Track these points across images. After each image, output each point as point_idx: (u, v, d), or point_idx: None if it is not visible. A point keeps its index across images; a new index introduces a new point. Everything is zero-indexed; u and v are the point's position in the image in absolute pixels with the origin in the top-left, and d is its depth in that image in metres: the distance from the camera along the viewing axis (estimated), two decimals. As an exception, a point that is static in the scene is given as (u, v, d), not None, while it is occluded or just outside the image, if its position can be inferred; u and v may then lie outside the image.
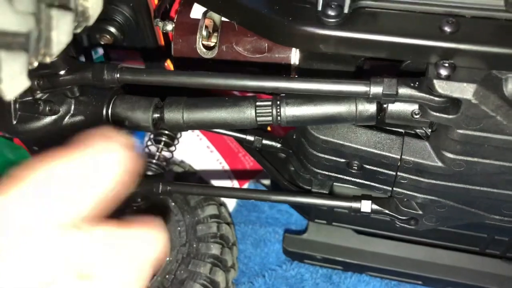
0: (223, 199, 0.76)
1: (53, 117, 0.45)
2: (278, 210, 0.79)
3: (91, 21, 0.29)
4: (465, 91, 0.38)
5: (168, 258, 0.65)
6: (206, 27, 0.52)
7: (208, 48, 0.52)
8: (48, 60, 0.28)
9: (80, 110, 0.45)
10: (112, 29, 0.55)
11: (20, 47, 0.25)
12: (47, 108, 0.44)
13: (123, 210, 0.61)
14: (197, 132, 0.83)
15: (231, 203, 0.80)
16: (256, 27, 0.44)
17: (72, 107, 0.45)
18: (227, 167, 0.81)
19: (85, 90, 0.46)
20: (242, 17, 0.45)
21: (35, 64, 0.27)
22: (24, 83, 0.26)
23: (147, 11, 0.55)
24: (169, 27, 0.53)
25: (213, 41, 0.52)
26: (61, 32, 0.26)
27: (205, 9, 0.52)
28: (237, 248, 0.72)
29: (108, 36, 0.55)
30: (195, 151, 0.80)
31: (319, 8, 0.39)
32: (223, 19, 0.51)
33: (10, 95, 0.26)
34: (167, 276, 0.64)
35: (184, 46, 0.52)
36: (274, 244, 0.75)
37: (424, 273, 0.68)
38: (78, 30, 0.29)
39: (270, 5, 0.42)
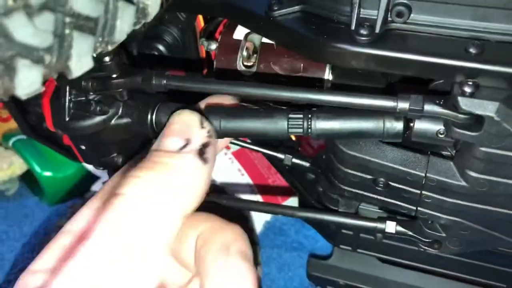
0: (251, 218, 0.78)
1: (102, 117, 0.49)
2: (304, 236, 0.81)
3: (149, 18, 0.33)
4: (487, 108, 0.40)
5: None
6: (247, 48, 0.56)
7: (247, 66, 0.56)
8: (109, 48, 0.32)
9: (127, 113, 0.49)
10: (161, 47, 0.60)
11: (89, 31, 0.29)
12: (98, 108, 0.48)
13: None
14: (229, 155, 0.86)
15: (258, 226, 0.82)
16: (294, 45, 0.48)
17: (120, 109, 0.49)
18: (256, 190, 0.83)
19: (133, 94, 0.50)
20: (281, 37, 0.49)
21: (99, 50, 0.31)
22: (89, 63, 0.30)
23: (193, 32, 0.59)
24: (213, 46, 0.57)
25: (252, 61, 0.56)
26: (124, 22, 0.30)
27: (247, 31, 0.56)
28: (261, 269, 0.73)
29: (156, 53, 0.59)
30: (227, 173, 0.83)
31: (353, 27, 0.43)
32: (263, 40, 0.55)
33: (76, 72, 0.30)
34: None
35: (225, 64, 0.56)
36: (298, 268, 0.76)
37: (448, 306, 0.67)
38: (137, 26, 0.33)
39: (307, 25, 0.46)
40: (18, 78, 0.28)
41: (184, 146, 0.41)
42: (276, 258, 0.78)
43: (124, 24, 0.30)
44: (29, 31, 0.26)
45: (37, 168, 0.96)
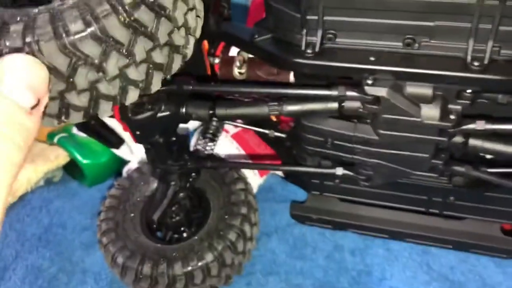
0: (249, 181, 1.07)
1: (151, 112, 0.77)
2: (288, 191, 1.10)
3: (187, 59, 0.61)
4: (381, 91, 0.68)
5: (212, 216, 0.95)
6: (239, 60, 0.84)
7: (240, 73, 0.84)
8: (168, 77, 0.59)
9: (167, 108, 0.78)
10: (179, 63, 0.88)
11: (160, 70, 0.57)
12: (148, 106, 0.76)
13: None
14: (229, 137, 1.15)
15: (254, 188, 1.10)
16: (268, 59, 0.76)
17: (163, 106, 0.78)
18: (251, 162, 1.12)
19: (170, 95, 0.78)
20: (260, 54, 0.78)
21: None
22: (159, 86, 0.57)
23: (200, 51, 0.88)
24: (216, 60, 0.85)
25: (243, 69, 0.84)
26: (176, 64, 0.58)
27: (238, 50, 0.85)
28: (258, 213, 1.02)
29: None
30: (227, 150, 1.12)
31: (303, 48, 0.71)
32: (250, 55, 0.84)
33: (153, 91, 0.57)
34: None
35: (225, 72, 0.85)
36: (284, 213, 1.05)
37: (389, 227, 0.97)
38: (181, 64, 0.61)
39: (276, 47, 0.74)
40: (128, 96, 0.56)
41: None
42: (268, 208, 1.07)
43: (175, 66, 0.58)
44: (136, 74, 0.54)
45: (79, 157, 1.21)
